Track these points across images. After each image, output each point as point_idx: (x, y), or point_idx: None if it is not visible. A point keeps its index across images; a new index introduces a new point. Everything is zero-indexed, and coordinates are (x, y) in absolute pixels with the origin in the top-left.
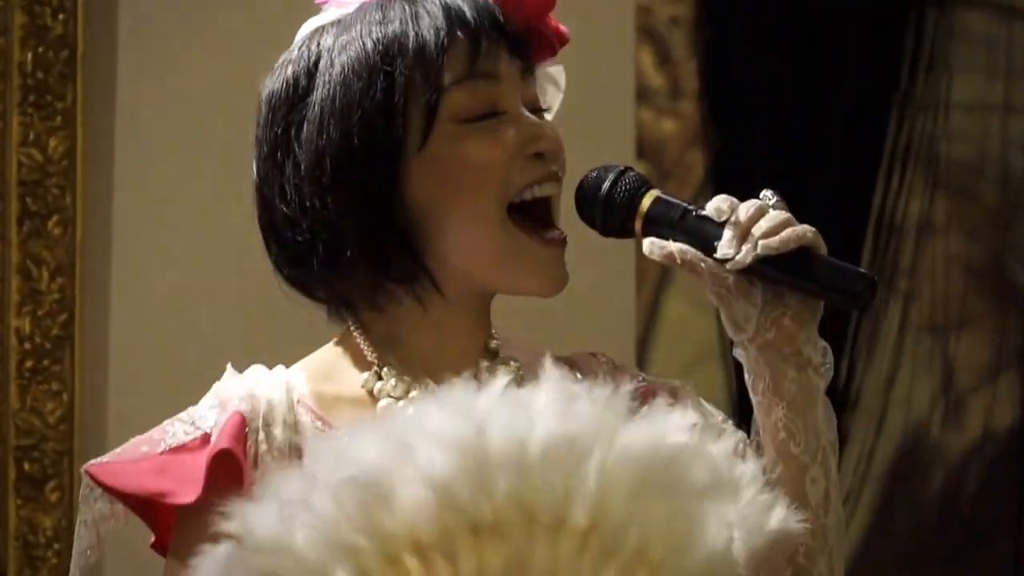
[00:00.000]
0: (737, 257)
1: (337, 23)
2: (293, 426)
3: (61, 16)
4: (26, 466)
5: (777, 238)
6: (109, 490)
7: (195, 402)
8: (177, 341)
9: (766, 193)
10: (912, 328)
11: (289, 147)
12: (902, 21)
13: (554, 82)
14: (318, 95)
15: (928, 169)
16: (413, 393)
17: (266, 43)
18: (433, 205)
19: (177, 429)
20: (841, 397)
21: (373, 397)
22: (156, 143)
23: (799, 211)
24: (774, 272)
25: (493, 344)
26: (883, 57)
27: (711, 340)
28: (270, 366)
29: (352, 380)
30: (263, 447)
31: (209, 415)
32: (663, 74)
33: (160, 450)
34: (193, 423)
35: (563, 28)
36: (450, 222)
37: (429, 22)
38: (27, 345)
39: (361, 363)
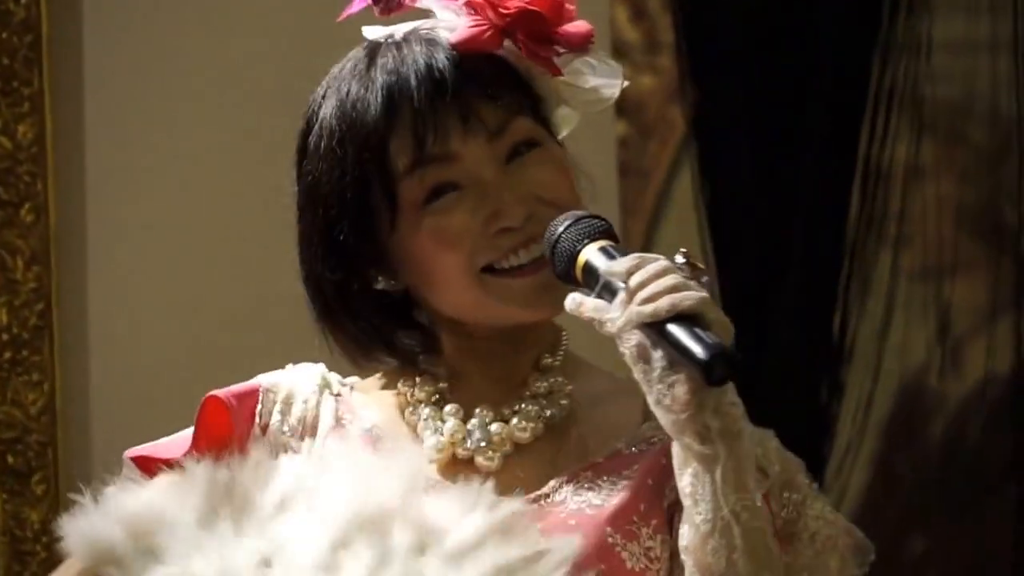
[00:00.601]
0: (611, 322)
1: (337, 76)
2: (315, 407)
3: (24, 0)
4: (10, 459)
5: (652, 305)
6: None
7: (177, 385)
8: (157, 326)
9: (678, 255)
10: (904, 274)
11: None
12: None
13: (591, 68)
14: (305, 170)
15: (914, 112)
16: (448, 408)
17: (235, 23)
18: (413, 282)
19: None
20: (836, 347)
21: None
22: (127, 126)
23: (786, 162)
24: (655, 338)
25: (546, 361)
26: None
27: None
28: (254, 351)
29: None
30: (276, 418)
31: (265, 379)
32: (638, 28)
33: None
34: None
35: (567, 31)
36: (430, 293)
37: (374, 110)
38: (5, 336)
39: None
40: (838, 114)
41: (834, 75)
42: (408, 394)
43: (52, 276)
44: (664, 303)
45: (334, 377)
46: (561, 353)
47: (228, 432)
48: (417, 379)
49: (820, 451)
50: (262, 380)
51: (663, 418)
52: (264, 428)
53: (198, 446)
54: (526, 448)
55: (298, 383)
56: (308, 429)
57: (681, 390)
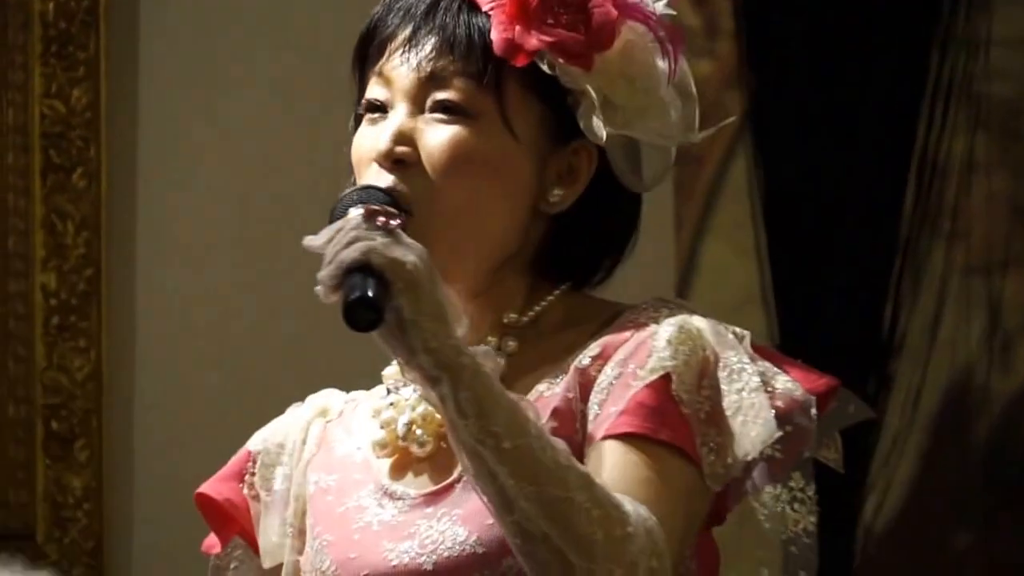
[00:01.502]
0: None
1: None
2: (301, 446)
3: None
4: (54, 425)
5: (325, 269)
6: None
7: (222, 359)
8: (204, 295)
9: (353, 209)
10: (956, 269)
11: None
12: None
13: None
14: None
15: (970, 107)
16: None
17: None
18: None
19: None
20: (886, 340)
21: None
22: (180, 93)
23: (841, 154)
24: None
25: (508, 320)
26: None
27: (752, 284)
28: (300, 324)
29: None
30: (259, 483)
31: (257, 437)
32: (700, 14)
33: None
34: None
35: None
36: None
37: (368, 23)
38: (53, 301)
39: None
40: (895, 107)
41: (893, 68)
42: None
43: (102, 243)
44: (332, 265)
45: (338, 401)
46: (537, 309)
47: (237, 523)
48: None
49: (866, 443)
50: (251, 443)
51: (402, 371)
52: (256, 497)
53: (222, 541)
54: None
55: (290, 426)
56: (294, 468)
57: (395, 339)
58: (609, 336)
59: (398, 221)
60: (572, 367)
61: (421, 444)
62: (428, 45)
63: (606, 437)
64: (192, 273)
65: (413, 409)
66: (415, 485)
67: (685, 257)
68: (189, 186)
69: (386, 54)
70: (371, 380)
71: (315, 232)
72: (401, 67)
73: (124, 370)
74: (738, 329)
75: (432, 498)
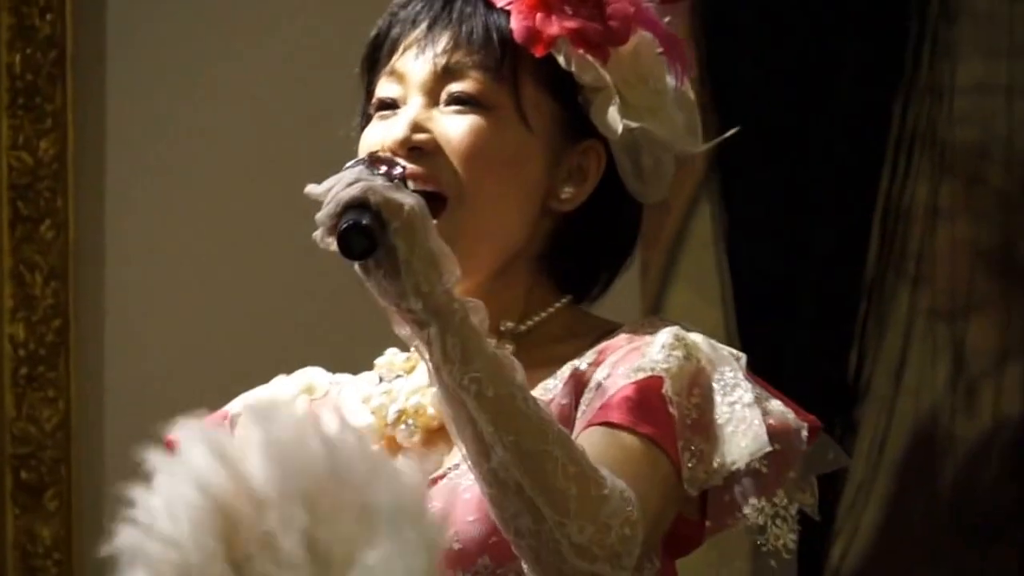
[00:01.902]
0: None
1: None
2: None
3: (48, 16)
4: (23, 475)
5: (325, 208)
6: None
7: (191, 405)
8: (173, 345)
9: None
10: (921, 314)
11: None
12: (905, 2)
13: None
14: None
15: (934, 153)
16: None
17: (258, 41)
18: None
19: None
20: (851, 385)
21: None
22: (148, 144)
23: (807, 200)
24: None
25: (505, 327)
26: (887, 41)
27: (717, 330)
28: (258, 365)
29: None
30: None
31: (237, 401)
32: None
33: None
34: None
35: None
36: None
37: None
38: (21, 352)
39: None
40: (860, 154)
41: (857, 115)
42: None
43: (70, 293)
44: (331, 204)
45: (323, 380)
46: (536, 319)
47: None
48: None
49: (833, 488)
50: (232, 405)
51: (391, 318)
52: None
53: None
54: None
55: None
56: None
57: (387, 281)
58: (606, 343)
59: (400, 170)
60: (569, 373)
61: (410, 434)
62: (443, 39)
63: (588, 426)
64: (160, 323)
65: (406, 399)
66: None
67: (651, 304)
68: (157, 237)
69: (398, 52)
70: None
71: (286, 275)
72: (416, 62)
73: (93, 420)
74: (734, 350)
75: None
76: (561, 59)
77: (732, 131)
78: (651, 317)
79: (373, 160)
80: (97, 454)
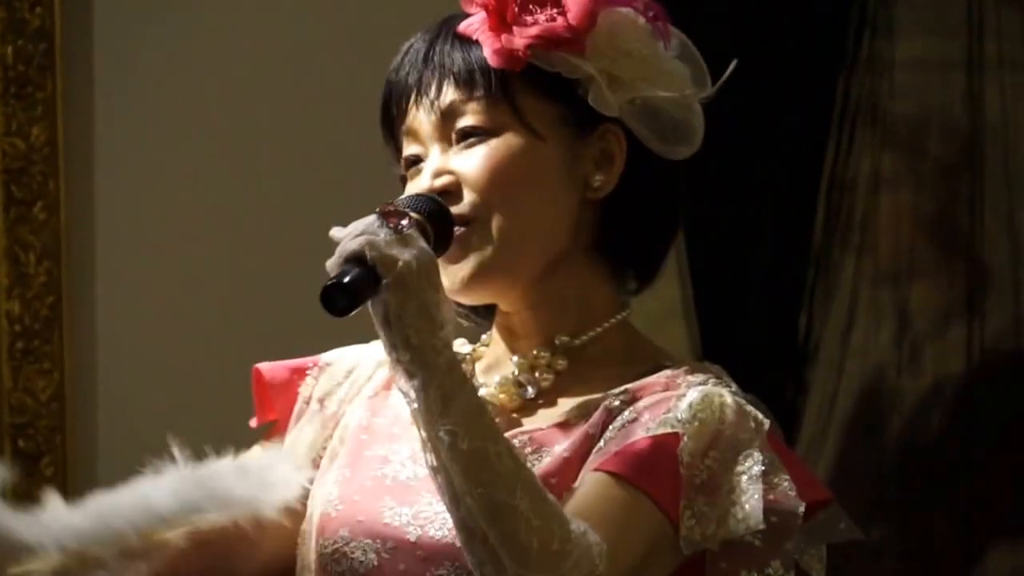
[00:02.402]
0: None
1: None
2: (366, 379)
3: (38, 10)
4: (20, 443)
5: (332, 259)
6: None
7: (180, 375)
8: (162, 319)
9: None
10: (866, 279)
11: None
12: None
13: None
14: None
15: (876, 126)
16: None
17: (245, 29)
18: None
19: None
20: (801, 348)
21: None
22: (136, 129)
23: (753, 175)
24: None
25: (559, 341)
26: (830, 19)
27: (674, 298)
28: (260, 341)
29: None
30: (316, 391)
31: (332, 352)
32: None
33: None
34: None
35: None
36: None
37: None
38: (17, 327)
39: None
40: (805, 128)
41: (802, 91)
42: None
43: (62, 271)
44: (336, 255)
45: None
46: (590, 335)
47: (272, 409)
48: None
49: (787, 443)
50: (325, 354)
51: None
52: (308, 400)
53: (261, 419)
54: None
55: (365, 357)
56: (350, 399)
57: (381, 332)
58: (642, 382)
59: (407, 221)
60: (602, 407)
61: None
62: (434, 86)
63: (595, 470)
64: (150, 298)
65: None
66: None
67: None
68: (145, 217)
69: (407, 111)
70: None
71: (273, 251)
72: (420, 115)
73: (86, 390)
74: (760, 416)
75: None
76: (544, 64)
77: (733, 64)
78: (699, 364)
79: (384, 213)
80: (90, 423)
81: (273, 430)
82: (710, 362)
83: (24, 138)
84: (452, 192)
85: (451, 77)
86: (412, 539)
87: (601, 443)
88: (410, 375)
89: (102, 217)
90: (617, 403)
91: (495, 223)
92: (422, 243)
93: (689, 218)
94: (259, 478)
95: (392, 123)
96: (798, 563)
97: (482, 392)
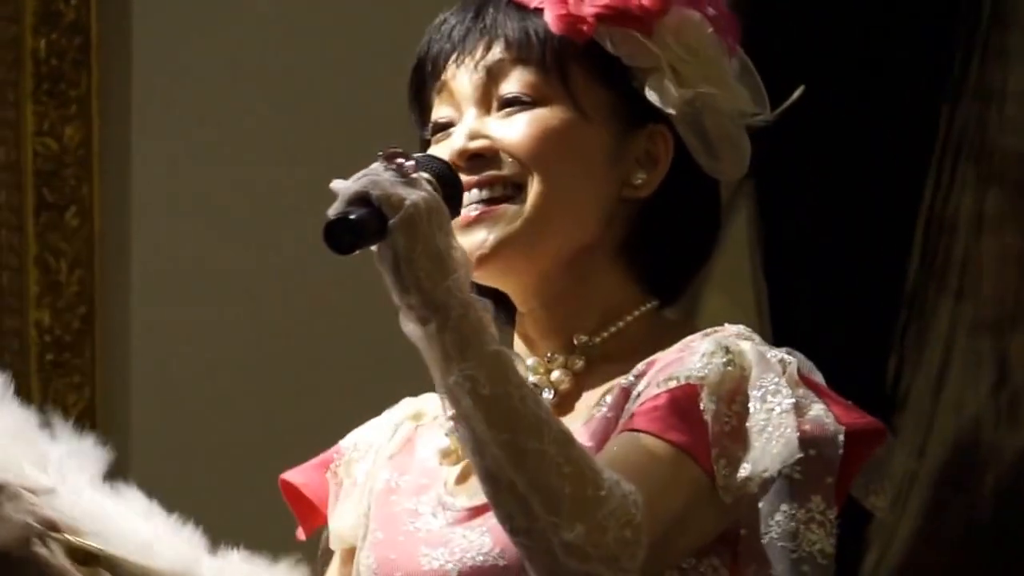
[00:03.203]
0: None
1: None
2: (384, 443)
3: (73, 1)
4: None
5: (333, 205)
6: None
7: (217, 391)
8: (198, 331)
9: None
10: (963, 327)
11: None
12: (954, 6)
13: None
14: None
15: (981, 162)
16: None
17: (283, 25)
18: None
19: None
20: (889, 394)
21: None
22: (173, 129)
23: (846, 207)
24: None
25: (578, 340)
26: (935, 45)
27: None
28: (295, 355)
29: None
30: (343, 471)
31: (350, 436)
32: None
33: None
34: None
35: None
36: None
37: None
38: (47, 338)
39: None
40: (903, 160)
41: (902, 120)
42: None
43: (95, 280)
44: (339, 197)
45: (435, 405)
46: (613, 329)
47: (320, 513)
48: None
49: None
50: (343, 441)
51: (400, 318)
52: (339, 484)
53: (309, 527)
54: None
55: (382, 424)
56: (374, 463)
57: (389, 275)
58: (658, 354)
59: (412, 163)
60: (619, 386)
61: None
62: (481, 46)
63: (617, 432)
64: (186, 309)
65: None
66: (468, 497)
67: (684, 309)
68: (182, 223)
69: (444, 68)
70: (373, 411)
71: (314, 263)
72: (460, 75)
73: (118, 406)
74: (786, 356)
75: (474, 512)
76: (607, 43)
77: (799, 91)
78: (716, 328)
79: (387, 156)
80: (122, 440)
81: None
82: None
83: (57, 138)
84: (487, 157)
85: (503, 39)
86: (453, 574)
87: (623, 417)
88: (423, 320)
89: (138, 223)
90: (632, 378)
91: (531, 192)
92: (428, 187)
93: (770, 249)
94: None
95: (423, 83)
96: (861, 503)
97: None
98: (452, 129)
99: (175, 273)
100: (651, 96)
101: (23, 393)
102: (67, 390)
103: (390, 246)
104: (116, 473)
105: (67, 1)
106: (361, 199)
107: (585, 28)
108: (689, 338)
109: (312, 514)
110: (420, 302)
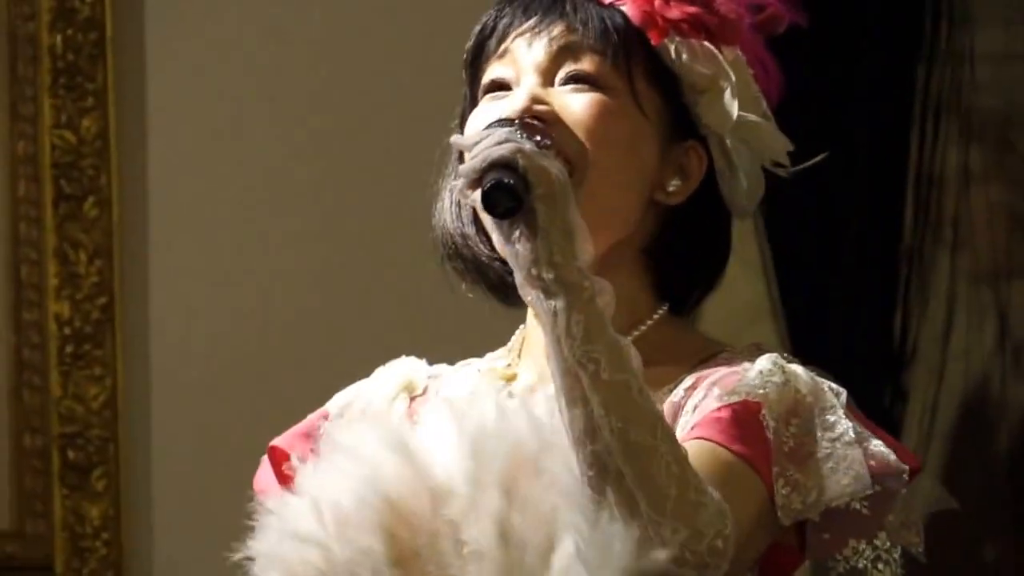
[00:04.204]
0: (455, 189)
1: None
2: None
3: None
4: (70, 454)
5: (471, 161)
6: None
7: (238, 382)
8: (218, 322)
9: (506, 120)
10: (963, 277)
11: None
12: None
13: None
14: None
15: (961, 120)
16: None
17: (295, 18)
18: None
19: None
20: (898, 351)
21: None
22: (189, 121)
23: (835, 170)
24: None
25: None
26: (905, 10)
27: (760, 299)
28: (314, 344)
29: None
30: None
31: (337, 399)
32: None
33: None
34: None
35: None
36: None
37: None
38: (67, 330)
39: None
40: (886, 122)
41: (880, 83)
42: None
43: (115, 270)
44: (477, 159)
45: (421, 374)
46: (638, 331)
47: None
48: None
49: None
50: (331, 404)
51: (518, 284)
52: None
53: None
54: None
55: (373, 393)
56: None
57: (521, 245)
58: (703, 370)
59: (548, 141)
60: (668, 402)
61: None
62: (558, 26)
63: (683, 441)
64: (206, 299)
65: None
66: None
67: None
68: (200, 213)
69: (509, 39)
70: None
71: (331, 252)
72: (528, 46)
73: (140, 397)
74: (835, 385)
75: None
76: (673, 50)
77: (820, 157)
78: (752, 345)
79: (524, 125)
80: (145, 432)
81: None
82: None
83: (74, 131)
84: (548, 124)
85: (580, 23)
86: None
87: (678, 430)
88: (549, 295)
89: (156, 213)
90: (680, 393)
91: (586, 176)
92: (559, 163)
93: (769, 213)
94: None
95: (486, 46)
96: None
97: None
98: (506, 93)
99: (194, 263)
100: (708, 111)
101: (44, 387)
102: (88, 382)
103: (530, 216)
104: (139, 464)
105: None
106: (505, 164)
107: (661, 25)
108: (731, 354)
109: (286, 482)
110: (551, 277)
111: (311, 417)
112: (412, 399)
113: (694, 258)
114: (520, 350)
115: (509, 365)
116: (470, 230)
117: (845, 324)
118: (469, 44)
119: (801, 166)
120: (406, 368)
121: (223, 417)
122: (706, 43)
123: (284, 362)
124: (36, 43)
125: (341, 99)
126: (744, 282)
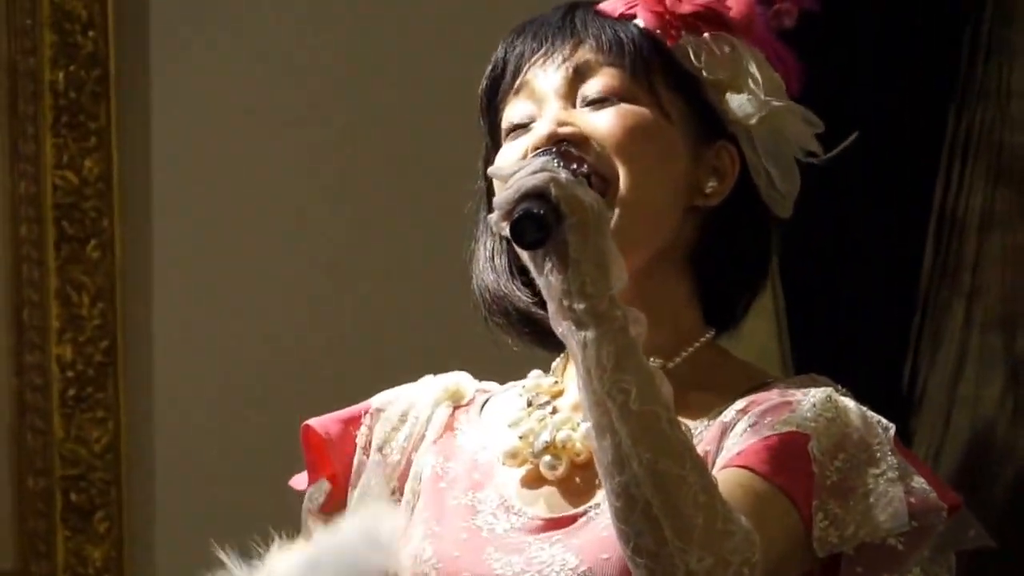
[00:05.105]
0: (492, 223)
1: None
2: (425, 422)
3: (91, 33)
4: (73, 497)
5: (506, 192)
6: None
7: (242, 424)
8: (222, 364)
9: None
10: (977, 325)
11: None
12: (958, 8)
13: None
14: None
15: (989, 159)
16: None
17: (300, 58)
18: None
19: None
20: (906, 396)
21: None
22: (193, 161)
23: (859, 209)
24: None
25: (653, 363)
26: (940, 46)
27: (770, 342)
28: (320, 388)
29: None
30: (380, 437)
31: (381, 396)
32: None
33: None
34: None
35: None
36: None
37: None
38: (69, 373)
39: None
40: (913, 161)
41: (910, 121)
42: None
43: (117, 313)
44: (511, 190)
45: (470, 386)
46: (683, 356)
47: (330, 464)
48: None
49: None
50: (375, 399)
51: (550, 314)
52: (367, 450)
53: (313, 478)
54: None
55: (418, 397)
56: (414, 446)
57: (553, 277)
58: (755, 395)
59: (586, 168)
60: (718, 422)
61: (553, 467)
62: (569, 46)
63: (725, 467)
64: (209, 342)
65: (556, 430)
66: (536, 507)
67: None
68: (205, 256)
69: (522, 72)
70: None
71: (337, 293)
72: (545, 73)
73: (143, 440)
74: (884, 420)
75: (550, 524)
76: (690, 51)
77: (852, 137)
78: (805, 376)
79: (561, 153)
80: (147, 475)
81: (333, 485)
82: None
83: (76, 171)
84: (578, 144)
85: (592, 40)
86: None
87: (723, 452)
88: (580, 326)
89: (159, 256)
90: (731, 415)
91: (620, 188)
92: (594, 192)
93: (784, 251)
94: (389, 543)
95: (501, 81)
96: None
97: (579, 432)
98: (532, 125)
99: (198, 305)
100: (732, 103)
101: (46, 429)
102: (90, 425)
103: (562, 247)
104: (142, 507)
105: (85, 33)
106: (539, 195)
107: (675, 25)
108: (783, 385)
109: (322, 465)
110: (583, 308)
111: (354, 407)
112: (456, 408)
113: (736, 260)
114: (564, 367)
115: (556, 382)
116: (507, 283)
117: (856, 368)
118: (482, 87)
119: (834, 152)
120: (455, 378)
121: (226, 460)
122: (723, 34)
123: (289, 405)
124: (37, 79)
125: (353, 135)
126: (755, 326)
